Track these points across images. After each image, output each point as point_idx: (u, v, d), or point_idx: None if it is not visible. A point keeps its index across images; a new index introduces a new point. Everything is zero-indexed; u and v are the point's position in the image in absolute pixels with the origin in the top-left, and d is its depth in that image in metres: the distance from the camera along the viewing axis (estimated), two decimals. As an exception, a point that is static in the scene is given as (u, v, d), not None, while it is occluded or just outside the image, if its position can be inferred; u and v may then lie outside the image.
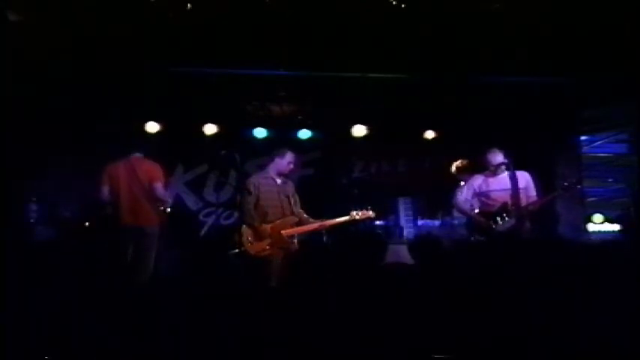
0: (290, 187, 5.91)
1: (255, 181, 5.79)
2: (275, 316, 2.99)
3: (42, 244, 6.61)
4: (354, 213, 5.91)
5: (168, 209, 5.83)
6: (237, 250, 5.62)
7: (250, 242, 5.59)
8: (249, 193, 5.68)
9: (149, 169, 5.76)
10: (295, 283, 5.68)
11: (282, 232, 5.67)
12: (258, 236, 5.59)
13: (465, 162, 7.30)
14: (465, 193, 6.02)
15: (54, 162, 7.83)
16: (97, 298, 3.04)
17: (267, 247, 5.59)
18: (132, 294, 3.10)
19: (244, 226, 5.65)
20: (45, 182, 7.53)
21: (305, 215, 5.88)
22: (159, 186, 5.72)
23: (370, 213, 5.97)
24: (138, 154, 5.84)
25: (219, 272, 5.69)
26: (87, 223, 7.09)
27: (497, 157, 5.80)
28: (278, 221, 5.69)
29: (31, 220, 7.01)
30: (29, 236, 6.78)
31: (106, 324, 2.88)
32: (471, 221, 5.93)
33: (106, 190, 5.71)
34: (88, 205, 6.92)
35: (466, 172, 6.98)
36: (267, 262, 5.56)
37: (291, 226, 5.74)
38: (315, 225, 5.81)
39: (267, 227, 5.63)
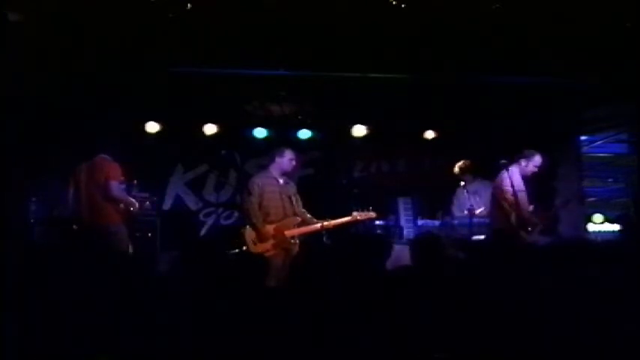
0: (292, 188, 5.92)
1: (258, 181, 5.79)
2: (275, 316, 2.99)
3: (42, 243, 6.60)
4: (356, 213, 5.92)
5: (132, 208, 5.89)
6: (237, 251, 5.62)
7: (254, 243, 5.58)
8: (253, 193, 5.67)
9: (107, 168, 5.84)
10: (296, 284, 5.69)
11: (286, 232, 5.67)
12: (262, 237, 5.59)
13: (467, 163, 7.30)
14: (511, 184, 5.76)
15: (54, 162, 7.81)
16: (91, 298, 3.03)
17: (271, 248, 5.59)
18: (124, 292, 3.09)
19: (248, 226, 5.64)
20: (45, 182, 7.51)
21: (308, 215, 5.89)
22: (114, 184, 5.78)
23: (372, 214, 5.99)
24: (104, 156, 5.92)
25: (220, 273, 5.67)
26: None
27: (539, 160, 5.84)
28: (282, 221, 5.69)
29: (31, 220, 7.01)
30: (29, 236, 6.76)
31: (103, 324, 2.87)
32: (519, 215, 5.73)
33: (70, 192, 5.90)
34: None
35: (469, 173, 6.97)
36: (269, 263, 5.56)
37: (294, 227, 5.73)
38: (317, 225, 5.82)
39: (271, 228, 5.63)
